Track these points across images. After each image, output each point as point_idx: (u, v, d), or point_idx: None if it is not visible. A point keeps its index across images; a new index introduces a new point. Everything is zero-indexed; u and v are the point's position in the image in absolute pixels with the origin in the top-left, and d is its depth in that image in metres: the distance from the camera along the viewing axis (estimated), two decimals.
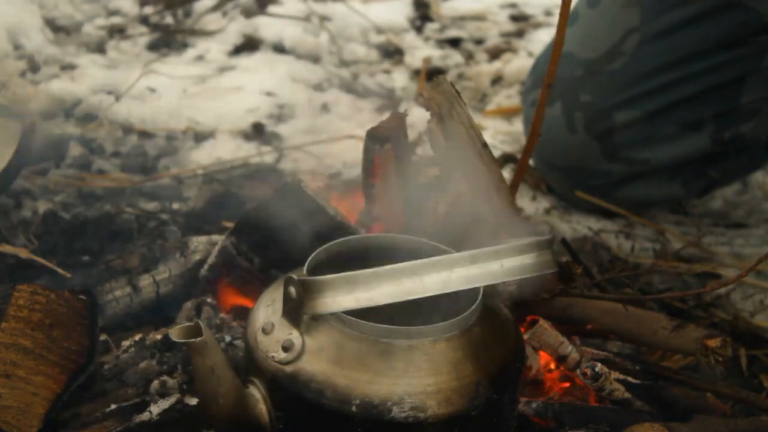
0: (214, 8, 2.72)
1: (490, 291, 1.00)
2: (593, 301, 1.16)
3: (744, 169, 1.78)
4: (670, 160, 1.65)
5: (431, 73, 2.46)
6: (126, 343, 1.15)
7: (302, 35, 2.53)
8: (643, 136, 1.64)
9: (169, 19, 2.69)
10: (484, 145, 1.18)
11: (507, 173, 1.91)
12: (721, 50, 1.58)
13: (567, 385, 1.15)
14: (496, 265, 0.90)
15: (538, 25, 2.83)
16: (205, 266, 1.26)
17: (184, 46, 2.52)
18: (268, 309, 0.95)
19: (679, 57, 1.59)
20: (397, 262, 0.87)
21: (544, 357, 1.15)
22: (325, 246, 1.00)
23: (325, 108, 2.16)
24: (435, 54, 2.59)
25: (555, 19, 1.12)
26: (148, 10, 2.71)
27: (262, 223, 1.18)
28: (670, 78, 1.60)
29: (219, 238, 1.32)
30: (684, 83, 1.60)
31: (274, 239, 1.16)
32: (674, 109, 1.62)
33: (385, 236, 1.07)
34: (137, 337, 1.16)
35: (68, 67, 2.24)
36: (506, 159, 1.96)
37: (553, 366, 1.16)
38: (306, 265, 0.96)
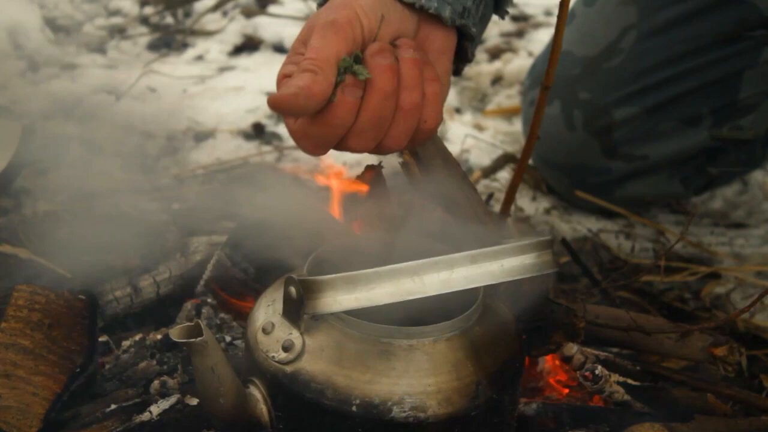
0: (214, 8, 2.72)
1: (490, 291, 1.00)
2: (598, 308, 1.14)
3: (742, 167, 1.78)
4: (668, 155, 1.65)
5: None
6: (126, 343, 1.15)
7: None
8: (642, 132, 1.64)
9: (169, 19, 2.69)
10: (464, 176, 1.11)
11: (507, 173, 1.92)
12: (718, 45, 1.58)
13: (567, 392, 1.15)
14: (496, 265, 0.90)
15: (538, 25, 2.83)
16: (201, 282, 1.26)
17: (184, 46, 2.52)
18: (268, 309, 0.95)
19: (676, 53, 1.60)
20: (397, 263, 0.87)
21: (548, 358, 1.15)
22: (325, 246, 1.00)
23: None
24: None
25: (555, 19, 1.12)
26: (148, 10, 2.71)
27: (255, 233, 1.17)
28: (668, 74, 1.60)
29: (219, 239, 1.32)
30: (682, 79, 1.60)
31: (268, 248, 1.14)
32: (672, 105, 1.62)
33: (384, 236, 1.06)
34: (137, 337, 1.16)
35: (68, 67, 2.24)
36: (506, 159, 1.96)
37: (557, 366, 1.16)
38: (306, 265, 0.96)
